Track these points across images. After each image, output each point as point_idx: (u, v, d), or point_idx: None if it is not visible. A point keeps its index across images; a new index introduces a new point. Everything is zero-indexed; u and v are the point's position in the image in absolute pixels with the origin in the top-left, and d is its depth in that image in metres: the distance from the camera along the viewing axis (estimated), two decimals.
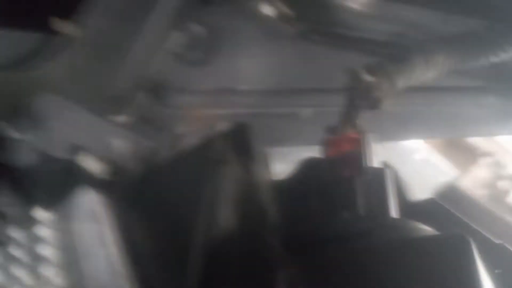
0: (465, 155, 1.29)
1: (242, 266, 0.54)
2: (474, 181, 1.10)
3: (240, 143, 0.70)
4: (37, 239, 0.53)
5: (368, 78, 0.77)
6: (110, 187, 0.64)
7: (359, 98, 0.78)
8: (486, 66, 0.87)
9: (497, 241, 0.63)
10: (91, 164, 0.73)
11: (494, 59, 0.84)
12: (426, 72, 0.84)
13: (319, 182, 0.69)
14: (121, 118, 0.86)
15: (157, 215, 0.62)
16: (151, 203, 0.64)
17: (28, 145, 0.72)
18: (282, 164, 0.84)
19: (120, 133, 0.79)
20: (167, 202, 0.64)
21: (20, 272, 0.49)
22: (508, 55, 0.83)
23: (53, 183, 0.70)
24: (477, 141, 1.30)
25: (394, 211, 0.64)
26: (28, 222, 0.54)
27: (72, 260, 0.52)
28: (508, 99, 1.08)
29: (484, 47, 0.84)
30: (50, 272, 0.49)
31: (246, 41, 0.95)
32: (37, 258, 0.51)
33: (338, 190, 0.66)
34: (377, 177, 0.67)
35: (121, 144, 0.77)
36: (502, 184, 1.07)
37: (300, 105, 1.00)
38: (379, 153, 0.72)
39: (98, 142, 0.76)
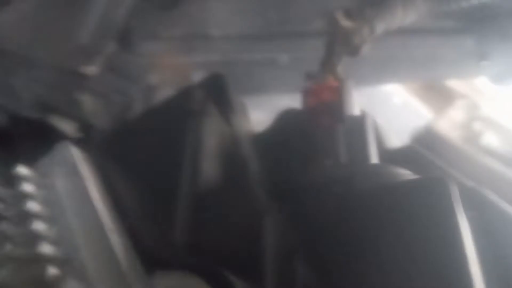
0: (441, 98, 1.35)
1: (228, 215, 0.58)
2: (449, 123, 1.15)
3: (218, 93, 0.72)
4: (23, 196, 0.55)
5: (347, 23, 0.80)
6: (85, 144, 0.66)
7: (339, 45, 0.80)
8: (466, 8, 0.90)
9: (469, 184, 0.68)
10: (62, 123, 0.74)
11: (473, 1, 0.87)
12: (405, 16, 0.87)
13: (300, 133, 0.72)
14: (90, 69, 0.86)
15: (138, 169, 0.65)
16: (129, 158, 0.66)
17: None
18: (261, 112, 0.87)
19: (88, 88, 0.79)
20: (146, 155, 0.66)
21: (10, 230, 0.52)
22: None
23: (30, 142, 0.71)
24: (453, 83, 1.36)
25: (374, 158, 0.69)
26: (12, 180, 0.56)
27: (59, 215, 0.55)
28: (486, 41, 1.13)
29: None
30: (40, 227, 0.52)
31: None
32: (25, 215, 0.53)
33: (319, 139, 0.69)
34: (357, 125, 0.70)
35: (90, 100, 0.78)
36: (476, 126, 1.13)
37: (278, 51, 1.01)
38: (358, 99, 0.76)
39: (66, 99, 0.76)
